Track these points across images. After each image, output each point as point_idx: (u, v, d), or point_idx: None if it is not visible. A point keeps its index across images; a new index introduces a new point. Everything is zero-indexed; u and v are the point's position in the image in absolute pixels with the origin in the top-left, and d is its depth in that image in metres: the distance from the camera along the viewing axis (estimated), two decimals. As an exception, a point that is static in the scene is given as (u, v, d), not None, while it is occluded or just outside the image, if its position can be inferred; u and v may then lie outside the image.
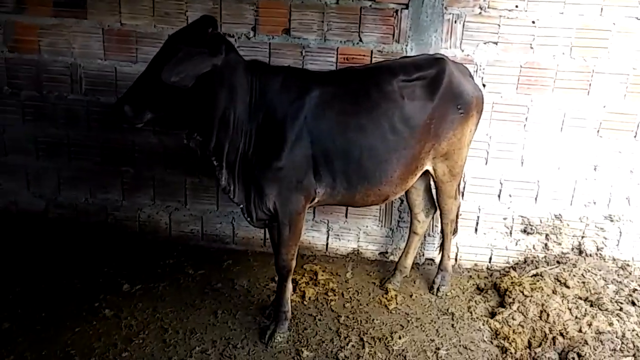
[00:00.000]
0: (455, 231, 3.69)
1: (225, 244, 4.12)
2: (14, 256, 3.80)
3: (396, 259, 3.85)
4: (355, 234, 4.05)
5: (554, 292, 3.42)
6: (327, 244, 4.09)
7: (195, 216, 4.09)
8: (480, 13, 3.52)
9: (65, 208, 4.12)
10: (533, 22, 3.50)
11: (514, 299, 3.40)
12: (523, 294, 3.41)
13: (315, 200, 2.95)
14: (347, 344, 3.09)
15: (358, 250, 4.08)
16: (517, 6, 3.48)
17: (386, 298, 3.55)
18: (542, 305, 3.29)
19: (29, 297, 3.37)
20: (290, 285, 3.11)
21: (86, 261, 3.78)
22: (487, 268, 3.98)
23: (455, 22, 3.54)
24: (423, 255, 4.03)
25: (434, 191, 3.50)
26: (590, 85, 3.58)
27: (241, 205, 2.89)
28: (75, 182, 4.07)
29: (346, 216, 4.03)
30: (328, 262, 3.99)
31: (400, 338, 3.16)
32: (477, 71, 3.60)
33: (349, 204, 3.13)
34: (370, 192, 2.98)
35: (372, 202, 3.07)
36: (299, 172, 2.79)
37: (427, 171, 3.26)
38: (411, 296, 3.61)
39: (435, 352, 3.07)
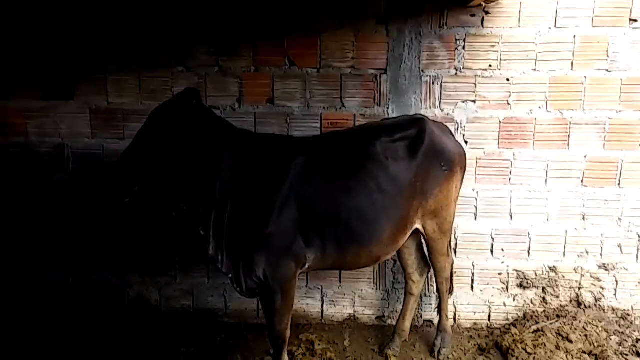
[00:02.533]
0: (451, 290, 3.63)
1: (218, 317, 4.01)
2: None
3: (394, 322, 3.76)
4: (351, 298, 3.97)
5: (557, 347, 3.33)
6: (322, 311, 3.99)
7: (186, 290, 4.00)
8: (456, 74, 3.65)
9: (52, 287, 4.01)
10: (508, 79, 3.63)
11: (517, 358, 3.30)
12: (526, 352, 3.32)
13: (306, 266, 2.90)
14: (349, 417, 2.95)
15: (354, 315, 3.98)
16: (490, 65, 3.62)
17: (386, 365, 3.43)
18: (547, 361, 3.20)
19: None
20: (286, 358, 2.99)
21: (73, 343, 3.63)
22: (487, 326, 3.88)
23: (433, 83, 3.66)
24: (421, 317, 3.94)
25: (426, 250, 3.47)
26: (569, 137, 3.66)
27: (230, 275, 2.83)
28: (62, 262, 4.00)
29: (340, 281, 3.96)
30: (324, 330, 3.87)
31: (403, 406, 3.02)
32: (457, 129, 3.68)
33: (341, 267, 3.09)
34: (362, 254, 2.95)
35: (364, 264, 3.04)
36: (288, 237, 2.77)
37: (417, 230, 3.25)
38: (412, 361, 3.49)
39: (441, 420, 2.92)
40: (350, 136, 3.07)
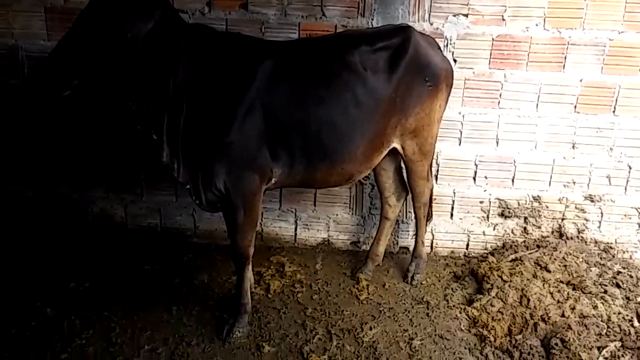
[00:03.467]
0: (430, 216, 3.49)
1: (186, 237, 3.85)
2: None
3: (369, 248, 3.62)
4: (325, 223, 3.81)
5: (535, 276, 3.22)
6: (295, 235, 3.84)
7: (153, 208, 3.81)
8: (448, -17, 3.33)
9: (10, 201, 3.80)
10: (504, -8, 3.32)
11: (492, 285, 3.19)
12: (502, 280, 3.21)
13: (273, 181, 2.70)
14: (314, 337, 2.85)
15: (328, 240, 3.84)
16: (487, -25, 3.29)
17: (357, 288, 3.32)
18: (522, 290, 3.09)
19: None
20: (249, 275, 2.86)
21: (32, 258, 3.48)
22: (465, 255, 3.77)
23: (423, -7, 3.35)
24: (397, 243, 3.81)
25: (405, 173, 3.28)
26: (565, 58, 3.40)
27: (187, 186, 2.62)
28: (20, 174, 3.77)
29: (315, 204, 3.79)
30: (296, 254, 3.74)
31: (371, 329, 2.92)
32: (447, 45, 3.40)
33: (310, 184, 2.89)
34: (333, 171, 2.75)
35: (335, 182, 2.84)
36: (251, 148, 2.55)
37: (396, 151, 3.04)
38: (384, 286, 3.38)
39: (408, 343, 2.83)
40: (327, 43, 2.79)
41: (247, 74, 2.50)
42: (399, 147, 3.00)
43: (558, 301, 2.99)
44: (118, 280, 3.31)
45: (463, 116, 3.53)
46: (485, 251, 3.73)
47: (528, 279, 3.17)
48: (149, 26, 2.25)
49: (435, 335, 2.90)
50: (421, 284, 3.40)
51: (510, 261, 3.41)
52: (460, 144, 3.59)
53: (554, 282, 3.14)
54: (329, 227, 3.82)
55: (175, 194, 3.78)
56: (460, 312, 3.08)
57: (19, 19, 3.46)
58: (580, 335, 2.73)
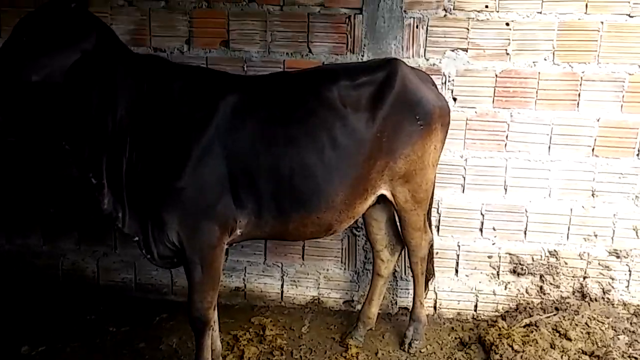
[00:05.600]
0: (431, 273, 3.09)
1: (162, 294, 3.50)
2: None
3: (362, 308, 3.22)
4: (315, 279, 3.43)
5: (552, 346, 2.77)
6: (282, 292, 3.46)
7: (127, 262, 3.49)
8: (445, 16, 3.05)
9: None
10: (507, 24, 3.02)
11: (501, 355, 2.75)
12: (512, 349, 2.76)
13: (238, 233, 2.35)
14: (287, 419, 2.43)
15: (319, 298, 3.44)
16: (487, 6, 3.01)
17: (345, 357, 2.89)
18: (537, 363, 2.63)
19: None
20: (208, 343, 2.45)
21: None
22: (473, 317, 3.31)
23: (417, 27, 3.07)
24: (396, 303, 3.38)
25: (398, 223, 2.91)
26: (579, 95, 3.05)
27: (135, 238, 2.29)
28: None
29: (303, 258, 3.42)
30: (282, 314, 3.34)
31: (356, 409, 2.48)
32: (445, 83, 3.09)
33: (283, 236, 2.52)
34: (307, 221, 2.40)
35: (312, 233, 2.48)
36: (210, 195, 2.22)
37: (387, 199, 2.68)
38: (376, 354, 2.95)
39: None
40: (301, 77, 2.50)
41: (206, 109, 2.21)
42: (388, 194, 2.64)
43: (580, 377, 2.53)
44: (78, 343, 2.96)
45: (466, 160, 3.17)
46: (496, 313, 3.27)
47: (544, 349, 2.72)
48: (75, 58, 1.98)
49: (432, 417, 2.45)
50: (420, 352, 2.96)
51: (524, 326, 2.96)
52: (463, 191, 3.22)
53: (575, 353, 2.69)
54: (319, 284, 3.43)
55: (151, 246, 3.46)
56: (464, 389, 2.62)
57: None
58: (607, 422, 2.25)
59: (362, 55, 3.12)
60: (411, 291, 3.30)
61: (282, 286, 3.45)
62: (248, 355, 2.84)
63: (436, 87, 2.82)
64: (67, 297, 3.43)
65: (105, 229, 3.45)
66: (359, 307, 3.36)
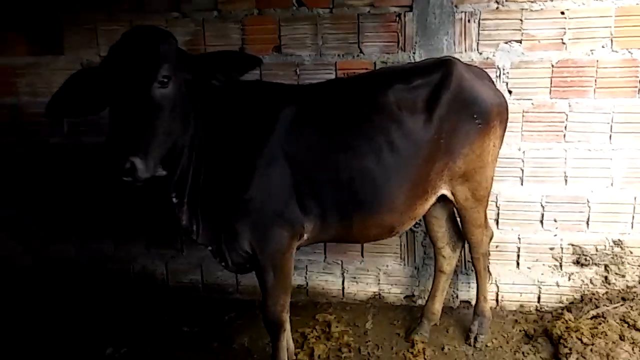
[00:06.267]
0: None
1: (228, 294, 3.64)
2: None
3: (424, 303, 3.27)
4: (375, 275, 3.49)
5: (622, 337, 2.75)
6: (343, 289, 3.54)
7: (194, 264, 3.65)
8: (497, 8, 3.02)
9: (54, 261, 3.76)
10: (562, 12, 2.97)
11: (571, 349, 2.73)
12: (582, 342, 2.74)
13: (305, 237, 2.44)
14: (360, 415, 2.51)
15: (379, 294, 3.50)
16: (542, -5, 2.96)
17: (412, 352, 2.95)
18: (608, 356, 2.63)
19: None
20: (284, 344, 2.56)
21: (68, 321, 3.37)
22: (536, 309, 3.30)
23: (469, 21, 3.05)
24: (457, 297, 3.41)
25: (459, 221, 2.92)
26: (640, 82, 2.97)
27: (209, 248, 2.41)
28: (64, 233, 3.73)
29: (363, 255, 3.48)
30: (345, 310, 3.43)
31: (426, 404, 2.54)
32: (499, 76, 3.07)
33: (348, 239, 2.60)
34: (370, 224, 2.46)
35: (375, 235, 2.54)
36: (277, 203, 2.31)
37: (447, 198, 2.71)
38: (442, 349, 2.99)
39: (471, 423, 2.43)
40: (356, 83, 2.54)
41: (267, 122, 2.29)
42: (448, 193, 2.67)
43: (654, 370, 2.51)
44: (156, 344, 3.13)
45: (523, 152, 3.15)
46: (560, 305, 3.25)
47: (614, 342, 2.70)
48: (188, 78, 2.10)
49: (504, 412, 2.49)
50: (486, 346, 2.98)
51: (591, 318, 2.94)
52: (522, 184, 3.20)
53: (647, 346, 2.65)
54: (379, 280, 3.49)
55: (215, 248, 3.60)
56: (534, 383, 2.64)
57: (56, 77, 3.46)
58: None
59: (414, 53, 3.13)
60: (471, 284, 3.33)
61: (342, 283, 3.53)
62: (318, 352, 2.94)
63: (493, 82, 2.81)
64: (139, 299, 3.61)
65: (172, 233, 3.61)
66: (419, 302, 3.42)
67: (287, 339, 2.72)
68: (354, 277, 3.52)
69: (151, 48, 2.00)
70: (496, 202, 3.22)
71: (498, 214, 3.25)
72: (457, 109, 2.51)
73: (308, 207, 2.37)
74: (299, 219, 2.37)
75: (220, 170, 2.29)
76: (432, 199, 2.63)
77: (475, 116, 2.55)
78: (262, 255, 2.36)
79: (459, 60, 2.66)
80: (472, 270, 3.23)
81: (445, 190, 2.65)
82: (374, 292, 3.51)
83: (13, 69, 3.49)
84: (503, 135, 2.74)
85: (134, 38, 2.05)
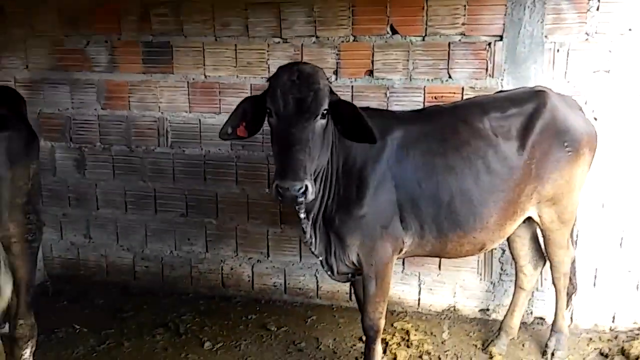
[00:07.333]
0: (575, 288, 3.19)
1: (309, 298, 3.89)
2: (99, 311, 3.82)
3: (499, 317, 3.43)
4: (451, 287, 3.66)
5: (702, 362, 2.82)
6: (419, 299, 3.73)
7: (278, 268, 3.91)
8: (586, 40, 3.15)
9: (151, 261, 4.11)
10: (656, 44, 3.07)
11: (649, 370, 2.84)
12: (661, 365, 2.84)
13: (403, 251, 2.66)
14: (447, 419, 2.70)
15: (454, 306, 3.67)
16: (630, 29, 3.07)
17: (490, 364, 3.11)
18: (688, 379, 2.72)
19: (108, 353, 3.31)
20: (379, 348, 2.78)
21: (169, 316, 3.69)
22: (610, 329, 3.41)
23: (558, 51, 3.20)
24: (532, 313, 3.54)
25: (541, 240, 3.07)
26: None
27: (320, 258, 2.66)
28: (161, 234, 4.07)
29: (439, 268, 3.66)
30: (421, 320, 3.62)
31: (510, 414, 2.71)
32: (586, 103, 3.19)
33: (440, 254, 2.81)
34: (464, 241, 2.65)
35: (467, 252, 2.74)
36: (384, 219, 2.55)
37: (532, 218, 2.86)
38: (520, 362, 3.15)
39: None
40: (454, 110, 2.75)
41: (378, 146, 2.51)
42: (535, 215, 2.84)
43: None
44: (249, 341, 3.40)
45: (603, 177, 3.26)
46: (636, 326, 3.34)
47: (694, 366, 2.79)
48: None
49: None
50: (562, 362, 3.12)
51: (670, 341, 3.03)
52: (603, 207, 3.31)
53: None
54: (455, 293, 3.66)
55: (299, 254, 3.85)
56: (613, 401, 2.76)
57: (165, 93, 3.81)
58: None
59: (502, 80, 3.30)
60: (546, 301, 3.46)
61: (419, 293, 3.72)
62: (400, 358, 3.14)
63: (583, 111, 2.95)
64: (227, 298, 3.91)
65: (259, 237, 3.88)
66: (494, 315, 3.57)
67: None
68: (430, 289, 3.70)
69: (316, 84, 2.27)
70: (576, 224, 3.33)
71: (577, 234, 3.36)
72: (548, 136, 2.67)
73: (409, 224, 2.59)
74: (400, 234, 2.60)
75: (338, 189, 2.54)
76: (520, 220, 2.80)
77: (566, 144, 2.70)
78: (367, 265, 2.59)
79: (551, 90, 2.82)
80: (547, 288, 3.36)
81: (532, 212, 2.82)
82: (449, 304, 3.68)
83: (128, 84, 3.84)
84: (591, 163, 2.88)
85: (298, 73, 2.29)
